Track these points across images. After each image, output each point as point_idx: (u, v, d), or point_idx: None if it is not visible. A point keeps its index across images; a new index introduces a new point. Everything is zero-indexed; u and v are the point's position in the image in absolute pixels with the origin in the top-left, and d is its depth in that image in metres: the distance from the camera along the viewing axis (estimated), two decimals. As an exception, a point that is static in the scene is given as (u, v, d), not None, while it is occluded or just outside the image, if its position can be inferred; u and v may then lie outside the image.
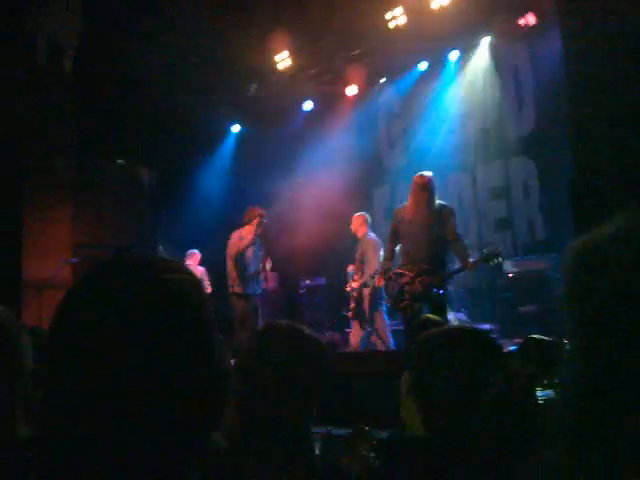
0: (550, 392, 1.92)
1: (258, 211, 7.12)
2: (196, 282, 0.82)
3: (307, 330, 1.86)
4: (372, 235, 6.95)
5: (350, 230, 7.13)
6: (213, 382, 0.79)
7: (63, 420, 0.72)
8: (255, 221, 7.02)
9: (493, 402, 1.66)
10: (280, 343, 1.81)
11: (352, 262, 7.29)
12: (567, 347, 1.01)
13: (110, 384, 0.71)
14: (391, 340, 6.72)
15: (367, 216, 7.13)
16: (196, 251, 8.52)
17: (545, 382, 2.02)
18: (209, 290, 7.77)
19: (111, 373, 0.71)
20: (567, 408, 0.91)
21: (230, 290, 7.06)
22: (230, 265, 7.07)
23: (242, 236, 7.05)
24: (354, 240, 7.18)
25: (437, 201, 5.54)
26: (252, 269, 7.12)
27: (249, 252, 7.08)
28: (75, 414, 0.72)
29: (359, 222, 7.04)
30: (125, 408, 0.71)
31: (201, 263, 8.56)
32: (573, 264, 0.95)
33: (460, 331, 1.82)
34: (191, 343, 0.76)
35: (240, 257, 7.02)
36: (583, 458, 0.85)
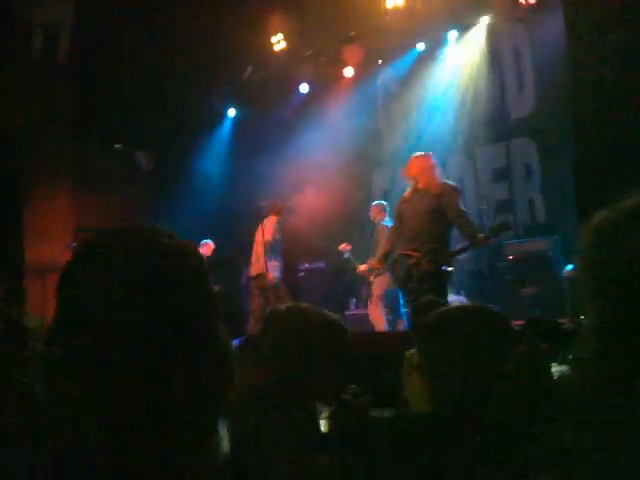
0: (563, 368, 1.91)
1: (282, 205, 7.68)
2: (192, 245, 0.82)
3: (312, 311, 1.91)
4: (387, 222, 7.05)
5: (358, 216, 7.63)
6: (215, 345, 0.78)
7: (72, 384, 0.72)
8: (280, 213, 7.57)
9: (510, 376, 1.65)
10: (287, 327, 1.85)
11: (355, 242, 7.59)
12: (584, 322, 1.00)
13: (113, 346, 0.71)
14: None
15: (385, 204, 7.38)
16: (209, 241, 8.48)
17: (557, 358, 2.04)
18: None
19: (114, 335, 0.71)
20: (584, 383, 0.91)
21: (254, 274, 7.41)
22: (261, 251, 7.33)
23: (271, 227, 7.49)
24: (370, 226, 7.48)
25: (439, 180, 5.48)
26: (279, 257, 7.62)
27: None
28: (82, 378, 0.71)
29: (377, 210, 7.37)
30: (129, 371, 0.71)
31: (214, 253, 8.54)
32: (591, 240, 0.95)
33: (473, 308, 1.85)
34: (192, 302, 0.76)
35: (271, 245, 7.40)
36: (600, 434, 0.85)
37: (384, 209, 7.31)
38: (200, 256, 0.82)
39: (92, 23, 8.73)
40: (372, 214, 7.39)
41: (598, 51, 5.31)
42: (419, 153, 5.66)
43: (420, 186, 5.45)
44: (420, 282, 5.16)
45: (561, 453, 0.95)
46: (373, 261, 6.53)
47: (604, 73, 5.06)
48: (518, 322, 4.60)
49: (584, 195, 4.69)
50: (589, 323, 0.93)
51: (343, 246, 7.70)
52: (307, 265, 8.76)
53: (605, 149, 4.88)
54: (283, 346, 1.82)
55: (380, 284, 6.99)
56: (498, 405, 1.50)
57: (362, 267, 7.29)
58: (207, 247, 8.42)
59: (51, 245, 7.98)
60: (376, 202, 7.53)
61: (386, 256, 5.75)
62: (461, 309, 1.91)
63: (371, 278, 7.01)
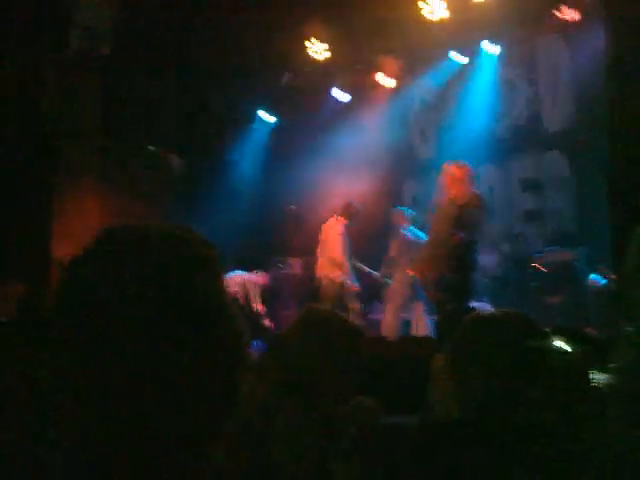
0: (604, 376, 1.91)
1: (354, 208, 7.41)
2: (208, 243, 0.82)
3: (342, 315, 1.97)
4: (406, 230, 7.03)
5: (383, 222, 7.40)
6: (229, 340, 0.76)
7: (76, 371, 0.71)
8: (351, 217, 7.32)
9: (547, 384, 1.64)
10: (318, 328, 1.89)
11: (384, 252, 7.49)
12: (628, 330, 1.00)
13: (121, 336, 0.69)
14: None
15: (406, 211, 7.35)
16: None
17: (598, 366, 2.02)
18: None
19: (123, 330, 0.70)
20: (623, 389, 0.91)
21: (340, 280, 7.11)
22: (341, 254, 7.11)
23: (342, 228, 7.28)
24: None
25: (468, 191, 5.47)
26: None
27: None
28: (85, 366, 0.70)
29: (396, 217, 7.34)
30: (135, 362, 0.69)
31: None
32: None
33: (504, 314, 1.81)
34: (203, 298, 0.75)
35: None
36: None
37: (406, 216, 7.26)
38: (213, 252, 0.81)
39: (131, 26, 8.87)
40: (393, 220, 7.37)
41: (638, 67, 5.27)
42: (453, 162, 5.65)
43: (450, 195, 5.47)
44: (443, 290, 5.18)
45: (600, 454, 0.95)
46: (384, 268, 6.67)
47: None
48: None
49: (618, 209, 4.67)
50: (633, 331, 0.94)
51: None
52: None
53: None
54: (305, 348, 1.85)
55: (400, 293, 6.95)
56: (531, 406, 1.49)
57: (377, 274, 7.35)
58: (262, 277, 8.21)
59: (76, 246, 7.95)
60: (398, 208, 7.51)
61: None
62: (497, 315, 1.89)
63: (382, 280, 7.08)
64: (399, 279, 6.93)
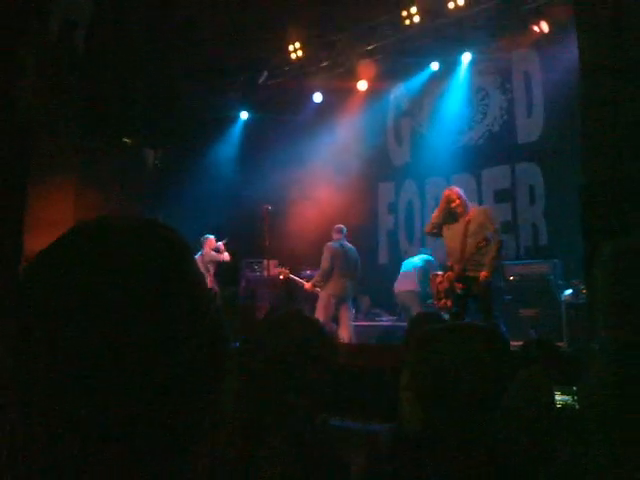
0: (566, 398, 1.95)
1: None
2: (179, 236, 0.78)
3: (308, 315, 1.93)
4: (335, 244, 7.37)
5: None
6: (207, 340, 0.73)
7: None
8: None
9: (510, 404, 1.68)
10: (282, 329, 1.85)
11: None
12: (598, 347, 1.06)
13: (92, 339, 0.66)
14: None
15: (339, 227, 7.53)
16: (211, 236, 8.57)
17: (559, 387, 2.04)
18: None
19: (92, 327, 0.66)
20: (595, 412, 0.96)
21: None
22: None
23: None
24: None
25: (472, 207, 5.81)
26: None
27: None
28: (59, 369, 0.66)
29: (335, 231, 7.53)
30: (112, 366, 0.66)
31: (215, 248, 8.64)
32: (614, 265, 1.02)
33: (466, 326, 1.74)
34: (178, 294, 0.71)
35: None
36: (627, 458, 0.89)
37: (340, 229, 7.51)
38: (180, 243, 0.77)
39: (109, 19, 8.76)
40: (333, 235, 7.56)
41: (610, 78, 5.42)
42: (448, 187, 6.17)
43: (450, 217, 5.84)
44: (445, 298, 5.70)
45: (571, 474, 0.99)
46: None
47: (615, 100, 5.16)
48: (516, 343, 4.72)
49: (590, 221, 4.79)
50: (607, 347, 0.99)
51: (280, 270, 7.99)
52: (308, 272, 8.85)
53: (614, 175, 4.98)
54: (275, 352, 1.79)
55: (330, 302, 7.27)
56: (498, 428, 1.47)
57: (307, 284, 7.55)
58: (209, 242, 8.52)
59: (50, 237, 7.90)
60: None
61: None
62: (455, 325, 1.81)
63: (317, 291, 7.36)
64: (329, 289, 7.21)
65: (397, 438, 1.80)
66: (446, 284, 5.69)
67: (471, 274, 5.52)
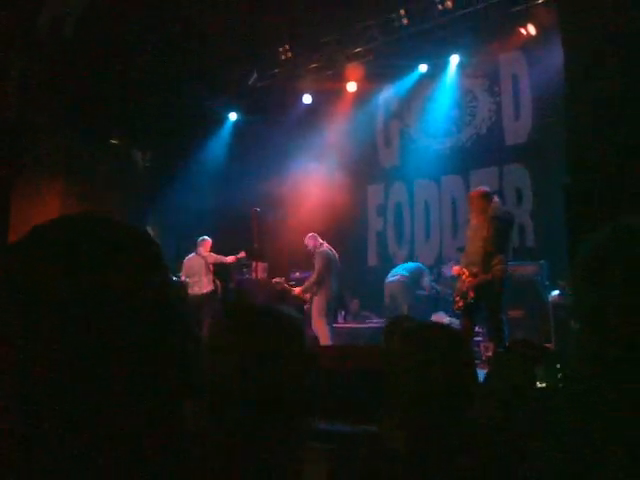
0: (544, 385, 1.98)
1: None
2: (147, 235, 0.77)
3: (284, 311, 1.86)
4: (322, 249, 7.45)
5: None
6: (175, 338, 0.72)
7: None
8: None
9: (488, 387, 1.66)
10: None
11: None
12: (579, 340, 1.06)
13: (59, 334, 0.65)
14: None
15: (314, 234, 7.63)
16: (207, 238, 8.48)
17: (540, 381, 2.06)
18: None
19: (59, 324, 0.66)
20: (576, 401, 0.96)
21: None
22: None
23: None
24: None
25: (496, 210, 5.72)
26: None
27: None
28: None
29: (312, 239, 7.58)
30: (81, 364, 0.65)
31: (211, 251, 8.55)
32: (589, 259, 1.02)
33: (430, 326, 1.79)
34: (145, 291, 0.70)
35: None
36: (609, 448, 0.88)
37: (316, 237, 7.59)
38: (157, 248, 0.76)
39: (98, 17, 8.72)
40: (309, 243, 7.58)
41: (595, 78, 5.45)
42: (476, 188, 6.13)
43: (473, 216, 5.85)
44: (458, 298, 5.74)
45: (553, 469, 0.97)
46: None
47: (600, 100, 5.20)
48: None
49: (575, 218, 4.81)
50: (583, 337, 0.98)
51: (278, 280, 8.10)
52: (298, 274, 8.85)
53: (598, 174, 5.01)
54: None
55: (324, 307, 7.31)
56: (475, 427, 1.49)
57: (297, 290, 7.60)
58: (205, 244, 8.44)
59: None
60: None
61: None
62: (419, 328, 1.83)
63: (307, 297, 7.40)
64: (326, 296, 7.25)
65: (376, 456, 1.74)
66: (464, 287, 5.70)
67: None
